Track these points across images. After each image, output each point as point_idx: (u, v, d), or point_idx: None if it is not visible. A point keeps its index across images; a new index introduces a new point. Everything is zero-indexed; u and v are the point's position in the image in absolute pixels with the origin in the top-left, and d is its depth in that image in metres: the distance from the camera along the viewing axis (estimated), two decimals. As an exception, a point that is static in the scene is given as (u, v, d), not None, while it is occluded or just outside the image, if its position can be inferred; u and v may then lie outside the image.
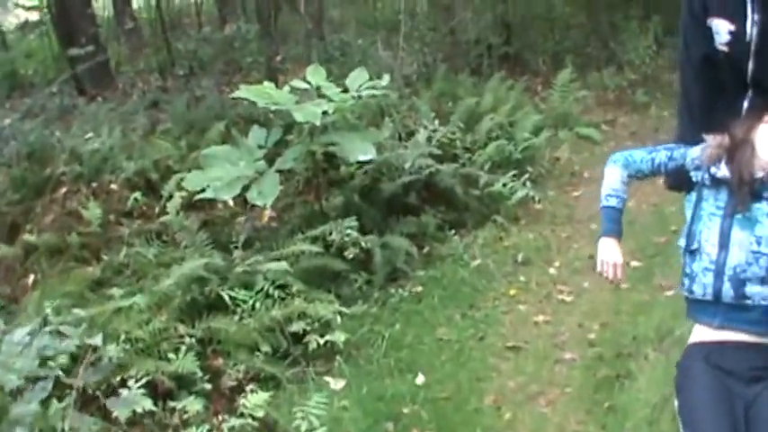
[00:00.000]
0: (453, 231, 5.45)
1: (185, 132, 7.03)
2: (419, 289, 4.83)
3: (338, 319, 4.25)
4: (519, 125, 6.92)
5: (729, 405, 2.56)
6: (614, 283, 3.04)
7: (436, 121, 6.43)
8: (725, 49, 2.91)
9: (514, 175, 5.94)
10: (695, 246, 2.76)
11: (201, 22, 11.72)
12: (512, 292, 4.70)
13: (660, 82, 9.11)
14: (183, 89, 8.61)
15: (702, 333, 2.75)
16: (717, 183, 2.78)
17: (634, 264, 4.84)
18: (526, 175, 6.02)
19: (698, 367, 2.63)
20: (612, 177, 3.00)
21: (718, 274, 2.69)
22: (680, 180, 3.01)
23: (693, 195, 2.89)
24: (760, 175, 2.72)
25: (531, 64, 9.94)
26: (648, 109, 8.54)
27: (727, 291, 2.68)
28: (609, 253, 2.91)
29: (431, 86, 8.07)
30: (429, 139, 5.99)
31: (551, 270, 4.94)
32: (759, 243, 2.67)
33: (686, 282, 2.78)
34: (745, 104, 2.97)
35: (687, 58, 3.10)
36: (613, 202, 2.98)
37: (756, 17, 2.85)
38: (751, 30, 2.87)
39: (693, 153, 2.87)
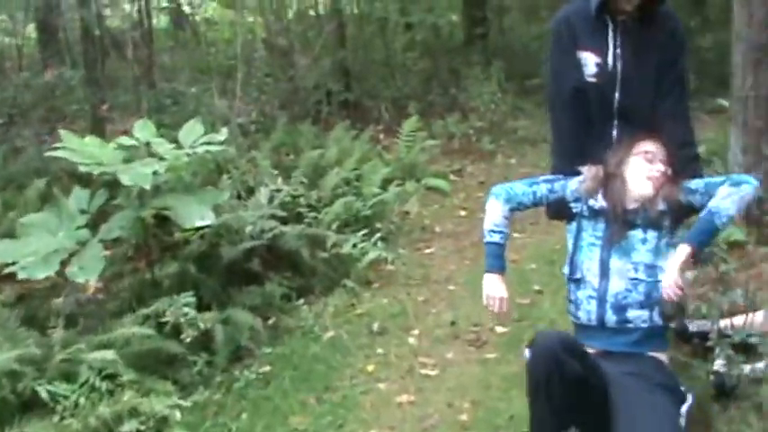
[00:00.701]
0: (302, 300, 4.97)
1: (1, 189, 6.43)
2: (267, 369, 4.30)
3: (177, 414, 3.70)
4: (366, 179, 6.55)
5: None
6: (501, 320, 3.28)
7: (278, 178, 5.98)
8: (593, 80, 3.11)
9: (365, 234, 5.54)
10: (578, 275, 3.00)
11: (22, 66, 10.79)
12: (370, 367, 4.26)
13: (505, 129, 9.02)
14: (0, 140, 7.83)
15: (590, 350, 2.87)
16: (595, 214, 2.99)
17: (499, 329, 4.52)
18: (377, 234, 5.63)
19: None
20: (494, 213, 3.12)
21: (601, 301, 2.93)
22: (560, 211, 3.15)
23: (574, 225, 3.07)
24: (633, 206, 2.94)
25: (372, 111, 9.65)
26: (495, 157, 8.39)
27: (610, 317, 2.92)
28: (494, 288, 3.11)
29: (270, 137, 7.60)
30: (271, 199, 5.51)
31: (411, 340, 4.54)
32: (636, 270, 2.90)
33: (572, 308, 3.05)
34: (614, 134, 3.15)
35: (557, 90, 3.26)
36: (496, 237, 3.12)
37: (618, 51, 3.07)
38: (614, 61, 3.08)
39: (572, 185, 3.06)
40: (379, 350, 4.44)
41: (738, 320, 3.65)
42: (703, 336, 3.58)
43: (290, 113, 8.62)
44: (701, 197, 2.91)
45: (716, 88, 10.89)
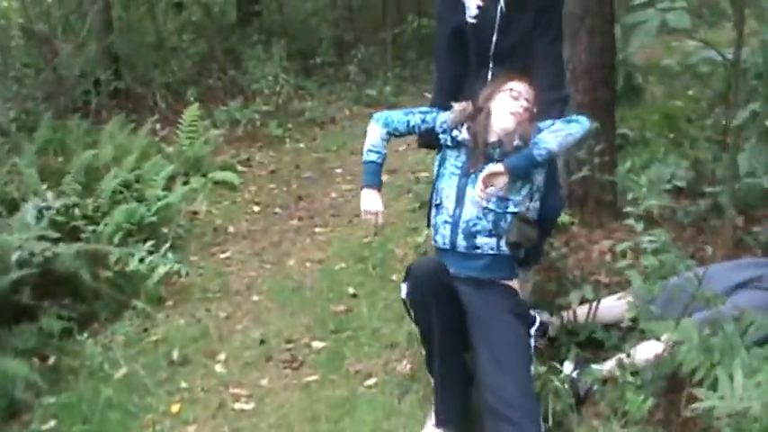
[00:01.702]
0: (86, 333, 4.26)
1: None
2: (51, 425, 3.63)
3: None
4: (148, 180, 5.84)
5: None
6: (376, 233, 3.42)
7: (45, 187, 5.18)
8: (473, 21, 3.30)
9: (152, 245, 4.90)
10: (438, 201, 3.24)
11: None
12: (174, 407, 3.67)
13: (291, 111, 8.55)
14: None
15: None
16: (458, 145, 3.23)
17: (316, 344, 4.08)
18: (166, 244, 5.01)
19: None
20: (373, 134, 3.37)
21: (454, 226, 3.17)
22: (430, 141, 3.38)
23: (440, 155, 3.33)
24: (493, 139, 3.16)
25: (147, 100, 8.83)
26: (284, 142, 7.91)
27: (461, 242, 3.16)
28: (371, 202, 3.33)
29: (33, 137, 6.63)
30: (40, 214, 4.72)
31: (218, 367, 3.99)
32: (488, 200, 3.10)
33: (432, 232, 3.31)
34: (489, 75, 3.35)
35: (441, 29, 3.49)
36: (374, 156, 3.36)
37: None
38: (495, 4, 3.25)
39: (442, 117, 3.28)
40: (183, 384, 3.87)
41: (582, 312, 3.47)
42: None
43: (55, 107, 7.64)
44: None
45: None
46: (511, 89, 3.18)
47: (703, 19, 8.42)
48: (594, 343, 3.43)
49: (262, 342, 4.16)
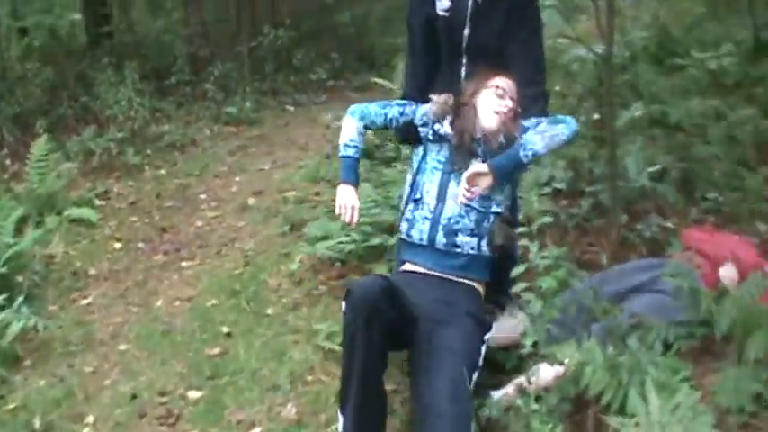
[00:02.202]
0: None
1: None
2: None
3: None
4: (-6, 225, 5.42)
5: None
6: (351, 227, 3.35)
7: None
8: (445, 14, 3.31)
9: (5, 299, 4.51)
10: (418, 195, 3.21)
11: None
12: (38, 485, 3.36)
13: (149, 136, 8.15)
14: None
15: (414, 268, 3.19)
16: (440, 139, 3.20)
17: (192, 394, 3.80)
18: (21, 296, 4.61)
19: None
20: (350, 128, 3.32)
21: (434, 223, 3.13)
22: (409, 134, 3.34)
23: (420, 149, 3.30)
24: (478, 135, 3.14)
25: (-8, 133, 8.27)
26: (143, 170, 7.47)
27: (441, 239, 3.12)
28: (347, 197, 3.24)
29: None
30: None
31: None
32: (471, 200, 3.08)
33: (406, 226, 3.23)
34: (462, 70, 3.36)
35: (412, 21, 3.46)
36: (351, 151, 3.30)
37: None
38: (467, 0, 3.27)
39: (422, 110, 3.25)
40: (48, 456, 3.54)
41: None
42: None
43: None
44: None
45: (360, 64, 10.92)
46: (497, 86, 3.19)
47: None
48: (494, 365, 3.29)
49: (133, 397, 3.86)
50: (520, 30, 3.31)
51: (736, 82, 6.17)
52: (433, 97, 3.24)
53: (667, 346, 2.97)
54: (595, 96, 5.71)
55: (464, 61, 3.37)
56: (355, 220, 3.24)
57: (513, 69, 3.27)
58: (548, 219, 3.07)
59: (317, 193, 5.99)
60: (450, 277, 3.12)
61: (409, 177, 3.37)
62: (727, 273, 3.41)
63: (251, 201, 6.33)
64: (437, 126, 3.19)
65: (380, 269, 4.27)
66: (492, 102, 3.17)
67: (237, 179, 7.01)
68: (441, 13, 3.32)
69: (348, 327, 2.77)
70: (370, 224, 4.60)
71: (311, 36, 10.89)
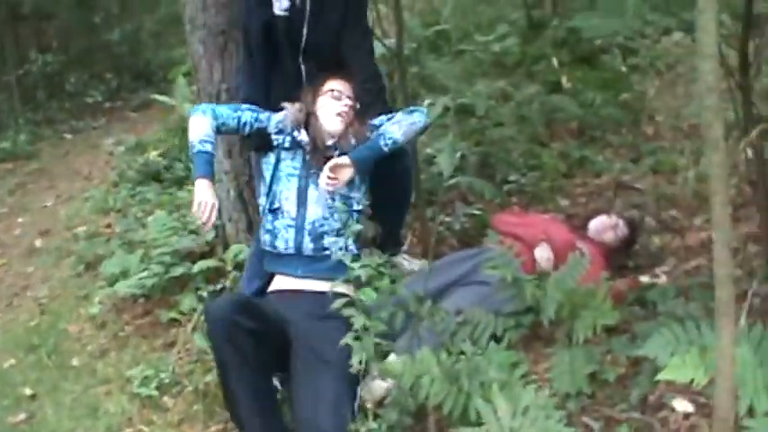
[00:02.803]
0: None
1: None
2: None
3: None
4: None
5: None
6: (208, 226, 3.10)
7: None
8: (284, 14, 3.32)
9: None
10: (276, 205, 3.18)
11: None
12: None
13: None
14: None
15: (283, 282, 3.15)
16: (295, 146, 3.20)
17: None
18: None
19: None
20: (202, 125, 3.13)
21: (299, 229, 3.12)
22: (262, 141, 3.28)
23: (272, 157, 3.25)
24: (330, 142, 3.18)
25: None
26: None
27: (308, 244, 3.11)
28: (205, 194, 3.01)
29: None
30: None
31: None
32: (333, 199, 3.11)
33: (268, 238, 3.19)
34: (302, 69, 3.42)
35: (250, 22, 3.38)
36: (208, 147, 3.10)
37: None
38: (305, 1, 3.32)
39: (277, 118, 3.24)
40: None
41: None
42: None
43: None
44: None
45: (136, 82, 10.51)
46: (331, 90, 3.22)
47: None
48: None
49: None
50: (355, 27, 3.42)
51: (517, 61, 6.40)
52: (287, 105, 3.24)
53: (497, 339, 3.00)
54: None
55: (302, 60, 3.42)
56: (212, 221, 3.05)
57: (352, 66, 3.37)
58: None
59: (109, 225, 5.68)
60: (322, 285, 3.03)
61: (262, 188, 3.30)
62: (543, 253, 3.50)
63: (38, 242, 5.92)
64: (295, 133, 3.18)
65: (188, 300, 4.09)
66: (330, 105, 3.20)
67: (20, 220, 6.57)
68: (279, 13, 3.33)
69: (215, 352, 2.78)
70: (169, 253, 4.38)
71: (83, 57, 10.37)
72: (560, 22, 6.50)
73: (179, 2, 4.29)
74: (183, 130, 6.37)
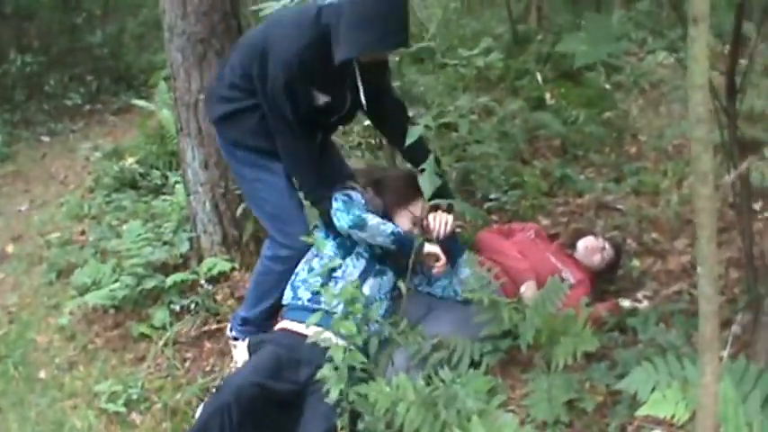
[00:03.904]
0: None
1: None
2: None
3: None
4: None
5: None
6: None
7: None
8: (326, 101, 3.20)
9: None
10: (339, 274, 3.16)
11: None
12: None
13: None
14: None
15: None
16: None
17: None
18: None
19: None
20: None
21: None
22: None
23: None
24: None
25: None
26: None
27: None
28: None
29: None
30: None
31: None
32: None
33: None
34: (319, 136, 3.40)
35: (293, 114, 3.13)
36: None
37: (361, 85, 3.15)
38: (345, 96, 3.24)
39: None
40: None
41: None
42: None
43: None
44: None
45: (117, 86, 10.36)
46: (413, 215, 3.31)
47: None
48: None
49: None
50: (385, 82, 3.44)
51: (500, 76, 6.35)
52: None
53: (475, 364, 2.94)
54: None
55: (322, 133, 3.43)
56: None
57: (393, 118, 3.45)
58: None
59: (83, 232, 5.56)
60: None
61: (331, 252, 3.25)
62: (528, 292, 3.42)
63: (10, 248, 5.79)
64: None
65: (160, 313, 4.01)
66: (406, 225, 3.30)
67: (-8, 224, 6.44)
68: (320, 104, 3.19)
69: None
70: (142, 265, 4.29)
71: (63, 59, 10.20)
72: (545, 37, 6.46)
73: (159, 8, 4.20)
74: (162, 137, 6.30)
